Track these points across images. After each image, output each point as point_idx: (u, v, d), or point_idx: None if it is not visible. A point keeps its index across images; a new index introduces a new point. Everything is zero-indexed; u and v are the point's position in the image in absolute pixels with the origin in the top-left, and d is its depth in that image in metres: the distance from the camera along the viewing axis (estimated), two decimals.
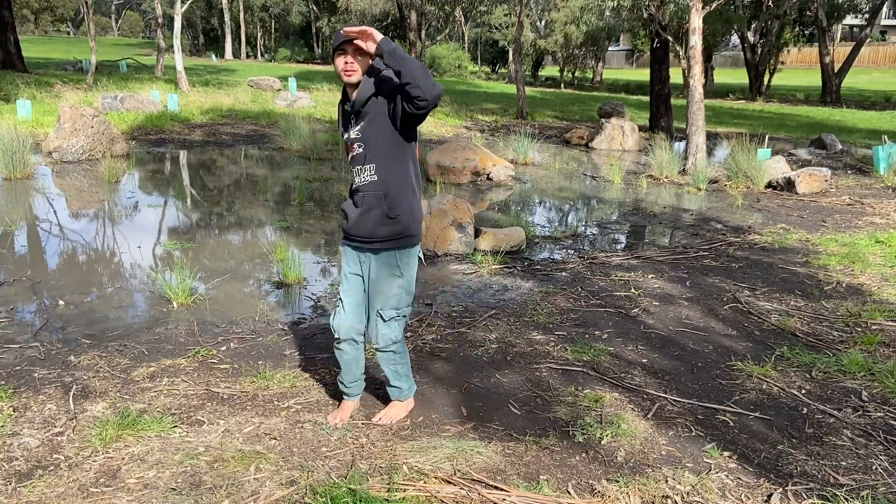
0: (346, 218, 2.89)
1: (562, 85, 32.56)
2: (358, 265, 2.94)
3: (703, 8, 10.06)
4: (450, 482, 2.67)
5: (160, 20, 25.71)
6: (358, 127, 2.76)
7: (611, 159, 12.09)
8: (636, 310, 4.70)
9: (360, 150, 2.77)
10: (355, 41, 2.61)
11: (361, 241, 2.88)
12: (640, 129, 14.31)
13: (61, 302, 4.68)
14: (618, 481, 2.72)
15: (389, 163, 2.77)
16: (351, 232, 2.89)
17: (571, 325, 4.40)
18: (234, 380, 3.55)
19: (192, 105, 16.31)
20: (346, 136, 2.82)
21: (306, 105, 17.85)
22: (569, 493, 2.66)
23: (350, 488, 2.59)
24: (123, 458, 2.82)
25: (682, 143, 11.51)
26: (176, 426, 3.07)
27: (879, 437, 3.11)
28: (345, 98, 2.83)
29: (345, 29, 2.59)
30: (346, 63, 2.66)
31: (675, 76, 14.51)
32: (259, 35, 53.11)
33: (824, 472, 2.83)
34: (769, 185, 9.37)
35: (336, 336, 2.99)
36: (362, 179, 2.80)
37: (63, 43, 48.67)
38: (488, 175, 9.60)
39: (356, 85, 2.71)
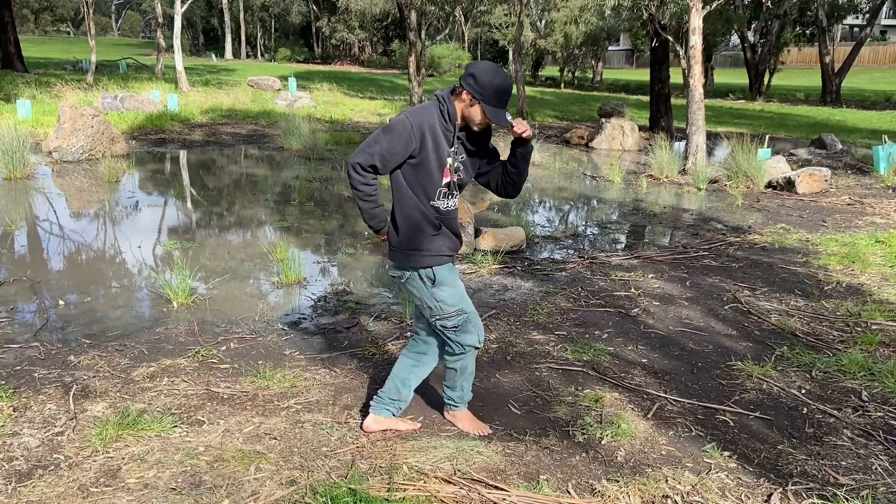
0: (455, 238, 3.02)
1: (562, 85, 32.54)
2: None
3: (703, 8, 10.06)
4: (450, 482, 2.67)
5: (160, 20, 25.72)
6: (460, 159, 2.93)
7: (611, 159, 12.09)
8: (636, 310, 4.70)
9: (458, 179, 2.95)
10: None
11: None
12: (640, 128, 14.31)
13: (61, 302, 4.68)
14: (618, 481, 2.72)
15: None
16: (459, 248, 3.10)
17: (571, 325, 4.40)
18: (234, 380, 3.56)
19: (192, 105, 16.31)
20: (450, 161, 2.91)
21: (306, 105, 17.86)
22: (569, 492, 2.66)
23: (350, 488, 2.59)
24: (123, 458, 2.82)
25: (682, 143, 11.51)
26: (176, 426, 3.07)
27: (879, 436, 3.11)
28: (450, 124, 2.85)
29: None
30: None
31: (675, 76, 14.50)
32: (259, 35, 53.10)
33: (824, 472, 2.83)
34: (769, 185, 9.37)
35: (479, 345, 3.06)
36: (452, 205, 2.97)
37: (63, 43, 48.70)
38: None
39: (481, 133, 2.93)
